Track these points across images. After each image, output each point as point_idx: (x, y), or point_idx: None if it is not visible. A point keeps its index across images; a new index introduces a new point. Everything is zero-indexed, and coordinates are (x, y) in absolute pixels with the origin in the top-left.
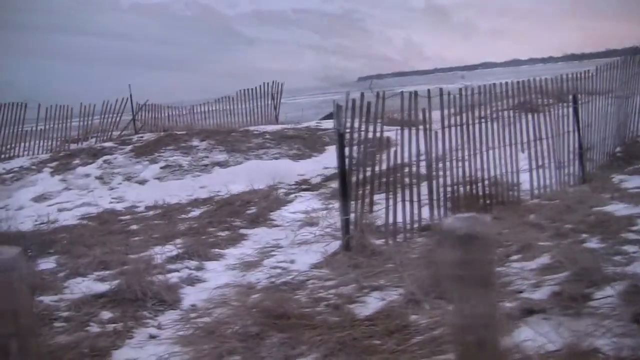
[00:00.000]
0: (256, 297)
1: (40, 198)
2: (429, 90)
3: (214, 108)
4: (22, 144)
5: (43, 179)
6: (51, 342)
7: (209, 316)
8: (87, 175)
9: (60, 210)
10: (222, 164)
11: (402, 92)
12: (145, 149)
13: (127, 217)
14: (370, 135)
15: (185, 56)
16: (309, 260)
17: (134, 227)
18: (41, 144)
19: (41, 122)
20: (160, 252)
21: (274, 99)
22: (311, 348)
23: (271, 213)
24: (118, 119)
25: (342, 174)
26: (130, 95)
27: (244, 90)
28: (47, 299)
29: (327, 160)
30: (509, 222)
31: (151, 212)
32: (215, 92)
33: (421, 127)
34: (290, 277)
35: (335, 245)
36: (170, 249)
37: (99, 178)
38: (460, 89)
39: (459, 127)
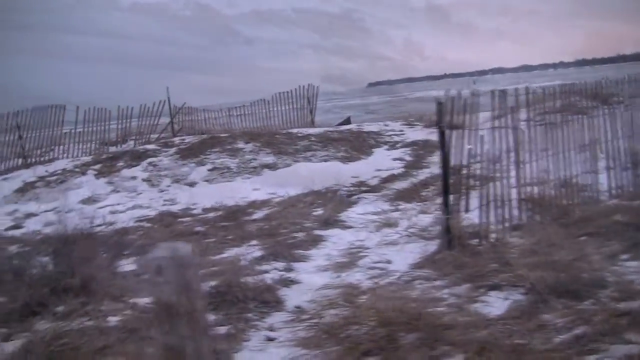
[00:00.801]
0: (366, 297)
1: (88, 200)
2: (516, 89)
3: (249, 111)
4: (62, 147)
5: (88, 181)
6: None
7: (321, 317)
8: (134, 178)
9: (112, 212)
10: (271, 166)
11: (492, 91)
12: (190, 151)
13: (187, 219)
14: (468, 133)
15: (184, 56)
16: (406, 261)
17: (200, 228)
18: (79, 146)
19: (78, 124)
20: (242, 254)
21: (310, 102)
22: (456, 348)
23: (338, 215)
24: (156, 121)
25: (445, 173)
26: (168, 99)
27: (279, 93)
28: (140, 302)
29: (377, 162)
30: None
31: (212, 214)
32: (215, 92)
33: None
34: (394, 277)
35: (430, 245)
36: (251, 251)
37: (147, 180)
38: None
39: (542, 126)
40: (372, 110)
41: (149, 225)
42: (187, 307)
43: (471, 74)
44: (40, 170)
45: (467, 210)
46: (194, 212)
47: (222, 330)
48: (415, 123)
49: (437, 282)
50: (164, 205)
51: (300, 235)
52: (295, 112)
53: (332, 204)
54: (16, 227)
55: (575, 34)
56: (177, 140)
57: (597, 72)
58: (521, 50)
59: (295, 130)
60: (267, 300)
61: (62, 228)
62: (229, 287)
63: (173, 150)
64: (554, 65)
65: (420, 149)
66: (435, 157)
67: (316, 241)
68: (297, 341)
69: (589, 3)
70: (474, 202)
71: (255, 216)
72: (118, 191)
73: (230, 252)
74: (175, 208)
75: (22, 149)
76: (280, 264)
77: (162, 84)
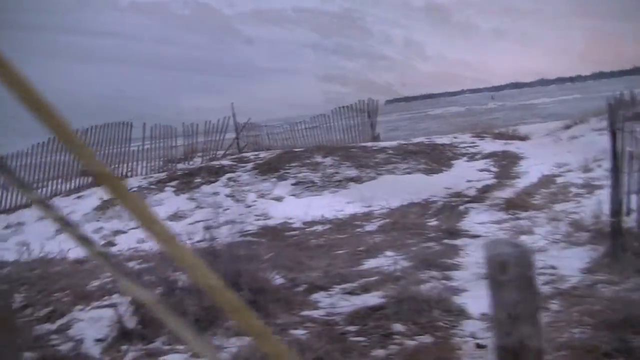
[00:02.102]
0: (556, 302)
1: (175, 217)
2: None
3: (310, 126)
4: (130, 164)
5: (168, 198)
6: None
7: None
8: (216, 194)
9: (206, 228)
10: (356, 180)
11: None
12: (268, 166)
13: (294, 232)
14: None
15: (184, 55)
16: (572, 266)
17: (314, 241)
18: (146, 164)
19: (145, 141)
20: (387, 264)
21: (370, 117)
22: None
23: (456, 224)
24: (221, 138)
25: (615, 175)
26: (234, 115)
27: (340, 107)
28: (313, 314)
29: (462, 173)
30: None
31: (319, 227)
32: (215, 91)
33: None
34: (569, 283)
35: (589, 249)
36: (393, 262)
37: (230, 196)
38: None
39: None
40: (395, 127)
41: (256, 239)
42: (529, 308)
43: (489, 89)
44: None
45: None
46: (295, 225)
47: (424, 339)
48: (484, 135)
49: (624, 286)
50: (257, 219)
51: (432, 245)
52: (356, 127)
53: (442, 214)
54: (109, 244)
55: (592, 47)
56: (250, 155)
57: (618, 84)
58: (537, 63)
59: (369, 144)
60: (450, 308)
61: (210, 241)
62: (401, 297)
63: (250, 165)
64: (572, 79)
65: (502, 159)
66: (520, 168)
67: (454, 251)
68: None
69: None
70: None
71: (368, 228)
72: (202, 207)
73: (371, 263)
74: (271, 222)
75: None
76: (435, 273)
77: (162, 84)
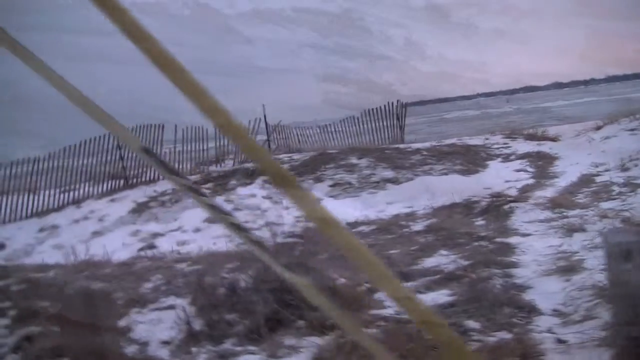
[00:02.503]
0: None
1: (212, 219)
2: None
3: (340, 128)
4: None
5: None
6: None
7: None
8: (253, 196)
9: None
10: (393, 181)
11: None
12: (304, 168)
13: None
14: None
15: (183, 55)
16: None
17: (362, 241)
18: (179, 166)
19: (177, 143)
20: (445, 263)
21: (399, 119)
22: None
23: (504, 223)
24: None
25: None
26: (264, 116)
27: (369, 110)
28: (382, 312)
29: (499, 174)
30: None
31: (364, 228)
32: (214, 91)
33: None
34: None
35: None
36: (450, 260)
37: (267, 198)
38: None
39: None
40: (412, 130)
41: (301, 240)
42: None
43: (503, 93)
44: (147, 190)
45: None
46: None
47: (502, 335)
48: (514, 136)
49: None
50: (298, 221)
51: (485, 243)
52: (385, 129)
53: (488, 214)
54: (150, 247)
55: (603, 49)
56: (284, 157)
57: (631, 87)
58: (550, 66)
59: (402, 146)
60: (520, 305)
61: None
62: (469, 295)
63: (285, 167)
64: (585, 82)
65: (537, 159)
66: (557, 168)
67: (509, 249)
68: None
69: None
70: None
71: (415, 228)
72: (240, 209)
73: (428, 262)
74: (312, 224)
75: (124, 169)
76: (497, 271)
77: (161, 83)
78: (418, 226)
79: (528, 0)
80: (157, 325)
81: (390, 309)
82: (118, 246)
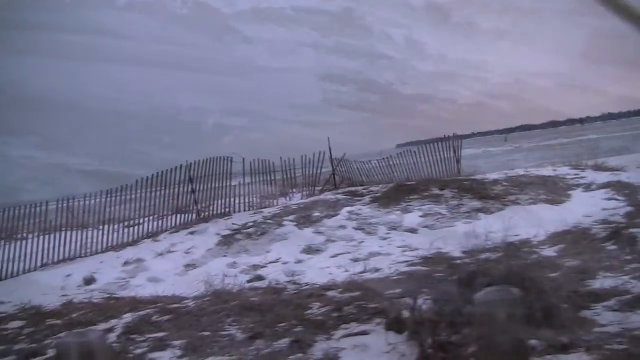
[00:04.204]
0: None
1: (310, 250)
2: None
3: (398, 162)
4: (234, 199)
5: (292, 232)
6: None
7: None
8: (343, 227)
9: (354, 260)
10: (484, 210)
11: None
12: (387, 199)
13: (461, 261)
14: None
15: (182, 55)
16: None
17: (501, 267)
18: (248, 199)
19: (245, 175)
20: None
21: (456, 153)
22: None
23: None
24: (319, 172)
25: None
26: (330, 149)
27: (426, 145)
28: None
29: (590, 202)
30: None
31: (489, 255)
32: (214, 91)
33: None
34: None
35: None
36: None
37: (359, 229)
38: None
39: None
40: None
41: (426, 268)
42: None
43: (499, 132)
44: (225, 224)
45: None
46: (456, 255)
47: None
48: (581, 166)
49: None
50: (404, 251)
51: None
52: (443, 162)
53: (616, 239)
54: (258, 278)
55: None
56: (361, 190)
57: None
58: (551, 65)
59: (479, 177)
60: None
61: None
62: None
63: (367, 199)
64: (581, 121)
65: (621, 189)
66: None
67: None
68: None
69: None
70: None
71: (544, 253)
72: (334, 240)
73: (600, 284)
74: (423, 253)
75: (196, 202)
76: None
77: (161, 83)
78: (547, 252)
79: (528, 0)
80: (364, 351)
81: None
82: (219, 278)
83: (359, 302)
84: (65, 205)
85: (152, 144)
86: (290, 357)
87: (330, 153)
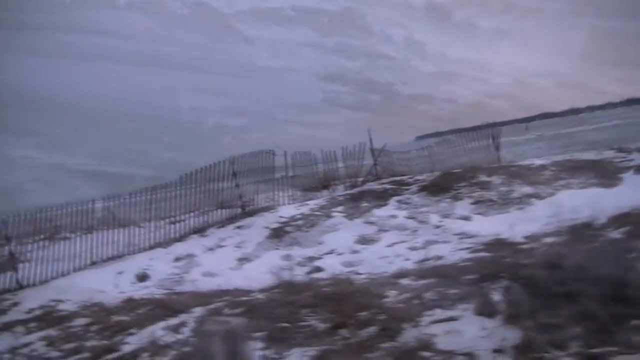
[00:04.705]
0: None
1: (364, 240)
2: None
3: (437, 151)
4: (277, 192)
5: (341, 223)
6: None
7: None
8: (394, 217)
9: (411, 249)
10: (535, 196)
11: None
12: (435, 188)
13: (525, 246)
14: None
15: (182, 55)
16: None
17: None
18: (290, 192)
19: (286, 169)
20: None
21: (494, 140)
22: None
23: None
24: (360, 163)
25: None
26: (370, 140)
27: (463, 132)
28: None
29: None
30: None
31: (550, 239)
32: (213, 91)
33: None
34: None
35: None
36: None
37: (411, 218)
38: None
39: None
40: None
41: (488, 254)
42: None
43: (519, 121)
44: (272, 216)
45: None
46: (518, 240)
47: None
48: (625, 149)
49: None
50: (461, 238)
51: None
52: (481, 150)
53: None
54: (317, 269)
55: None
56: (407, 179)
57: None
58: (551, 65)
59: (525, 163)
60: None
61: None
62: None
63: (414, 188)
64: (602, 107)
65: None
66: None
67: None
68: None
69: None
70: None
71: (610, 236)
72: (386, 230)
73: None
74: (484, 239)
75: (240, 197)
76: None
77: (161, 83)
78: (614, 234)
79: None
80: (459, 336)
81: None
82: (274, 270)
83: (437, 289)
84: (111, 203)
85: (152, 144)
86: (382, 345)
87: (371, 144)
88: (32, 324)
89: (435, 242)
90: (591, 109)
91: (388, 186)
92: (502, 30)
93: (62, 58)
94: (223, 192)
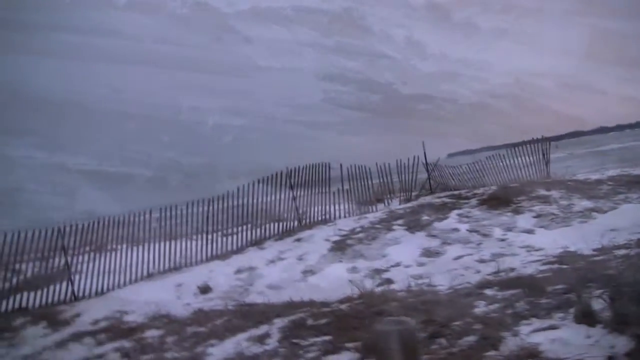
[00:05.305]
0: None
1: (430, 253)
2: None
3: (488, 166)
4: (334, 206)
5: (403, 236)
6: None
7: None
8: (456, 230)
9: (480, 261)
10: (597, 210)
11: None
12: (495, 202)
13: (598, 258)
14: None
15: (182, 54)
16: None
17: None
18: (347, 205)
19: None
20: None
21: (545, 156)
22: None
23: None
24: (414, 177)
25: None
26: (424, 153)
27: (514, 148)
28: None
29: None
30: None
31: (626, 251)
32: (213, 91)
33: None
34: None
35: None
36: None
37: (474, 231)
38: None
39: None
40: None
41: (562, 266)
42: None
43: (549, 139)
44: (331, 229)
45: None
46: (586, 253)
47: None
48: None
49: None
50: (528, 251)
51: None
52: (531, 165)
53: None
54: (387, 281)
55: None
56: (465, 192)
57: None
58: (552, 65)
59: (580, 177)
60: None
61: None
62: None
63: (474, 201)
64: (631, 126)
65: None
66: None
67: None
68: None
69: None
70: None
71: None
72: (449, 243)
73: None
74: (550, 252)
75: (297, 210)
76: None
77: (160, 83)
78: None
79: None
80: (567, 345)
81: None
82: (342, 282)
83: (527, 299)
84: (167, 214)
85: (152, 144)
86: (486, 354)
87: (425, 158)
88: (101, 335)
89: (502, 254)
90: (620, 127)
91: (446, 200)
92: (503, 30)
93: (62, 58)
94: (280, 205)
